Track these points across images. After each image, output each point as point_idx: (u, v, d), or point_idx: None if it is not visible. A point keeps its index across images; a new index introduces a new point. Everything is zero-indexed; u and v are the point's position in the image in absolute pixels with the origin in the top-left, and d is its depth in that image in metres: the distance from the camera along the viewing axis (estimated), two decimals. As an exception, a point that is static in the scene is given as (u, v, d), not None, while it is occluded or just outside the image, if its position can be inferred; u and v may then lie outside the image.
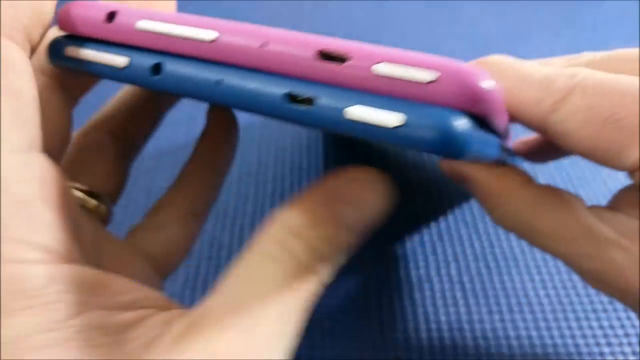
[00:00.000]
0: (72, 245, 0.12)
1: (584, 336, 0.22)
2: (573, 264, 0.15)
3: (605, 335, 0.22)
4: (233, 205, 0.27)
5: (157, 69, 0.13)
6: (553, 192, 0.15)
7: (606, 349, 0.21)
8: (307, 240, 0.12)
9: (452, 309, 0.23)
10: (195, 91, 0.13)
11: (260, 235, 0.13)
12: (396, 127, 0.10)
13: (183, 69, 0.13)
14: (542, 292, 0.23)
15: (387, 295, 0.23)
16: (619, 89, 0.13)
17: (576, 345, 0.21)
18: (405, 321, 0.22)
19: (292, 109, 0.11)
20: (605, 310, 0.23)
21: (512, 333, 0.22)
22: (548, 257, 0.25)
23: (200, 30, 0.12)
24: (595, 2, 0.45)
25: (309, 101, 0.11)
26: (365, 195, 0.13)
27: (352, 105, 0.11)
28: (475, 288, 0.23)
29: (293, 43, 0.12)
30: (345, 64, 0.11)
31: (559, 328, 0.22)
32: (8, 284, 0.10)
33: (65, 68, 0.14)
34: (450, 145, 0.10)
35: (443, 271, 0.24)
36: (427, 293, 0.23)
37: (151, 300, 0.12)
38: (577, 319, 0.22)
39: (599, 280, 0.15)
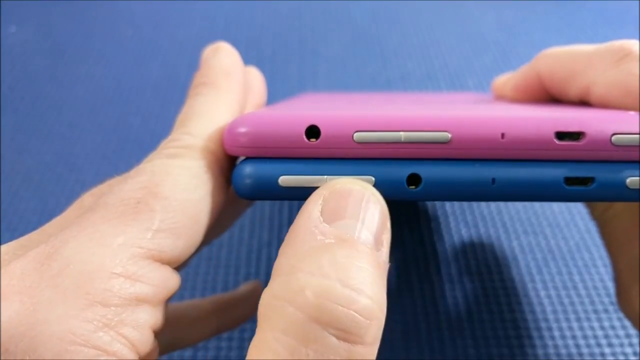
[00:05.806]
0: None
1: (584, 337, 0.22)
2: None
3: (607, 336, 0.22)
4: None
5: (414, 180, 0.12)
6: None
7: (607, 350, 0.21)
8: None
9: (452, 309, 0.22)
10: (465, 194, 0.12)
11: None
12: None
13: (445, 175, 0.12)
14: (542, 292, 0.23)
15: (387, 296, 0.23)
16: None
17: (577, 346, 0.21)
18: (405, 321, 0.22)
19: (573, 191, 0.12)
20: (606, 311, 0.22)
21: (512, 333, 0.22)
22: (549, 257, 0.25)
23: (435, 134, 0.12)
24: (595, 2, 0.45)
25: (586, 181, 0.12)
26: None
27: (629, 177, 0.12)
28: (476, 288, 0.23)
29: (530, 128, 0.12)
30: (584, 140, 0.12)
31: (560, 328, 0.22)
32: None
33: (272, 198, 0.13)
34: None
35: (443, 271, 0.24)
36: (427, 293, 0.23)
37: None
38: (578, 319, 0.22)
39: None
